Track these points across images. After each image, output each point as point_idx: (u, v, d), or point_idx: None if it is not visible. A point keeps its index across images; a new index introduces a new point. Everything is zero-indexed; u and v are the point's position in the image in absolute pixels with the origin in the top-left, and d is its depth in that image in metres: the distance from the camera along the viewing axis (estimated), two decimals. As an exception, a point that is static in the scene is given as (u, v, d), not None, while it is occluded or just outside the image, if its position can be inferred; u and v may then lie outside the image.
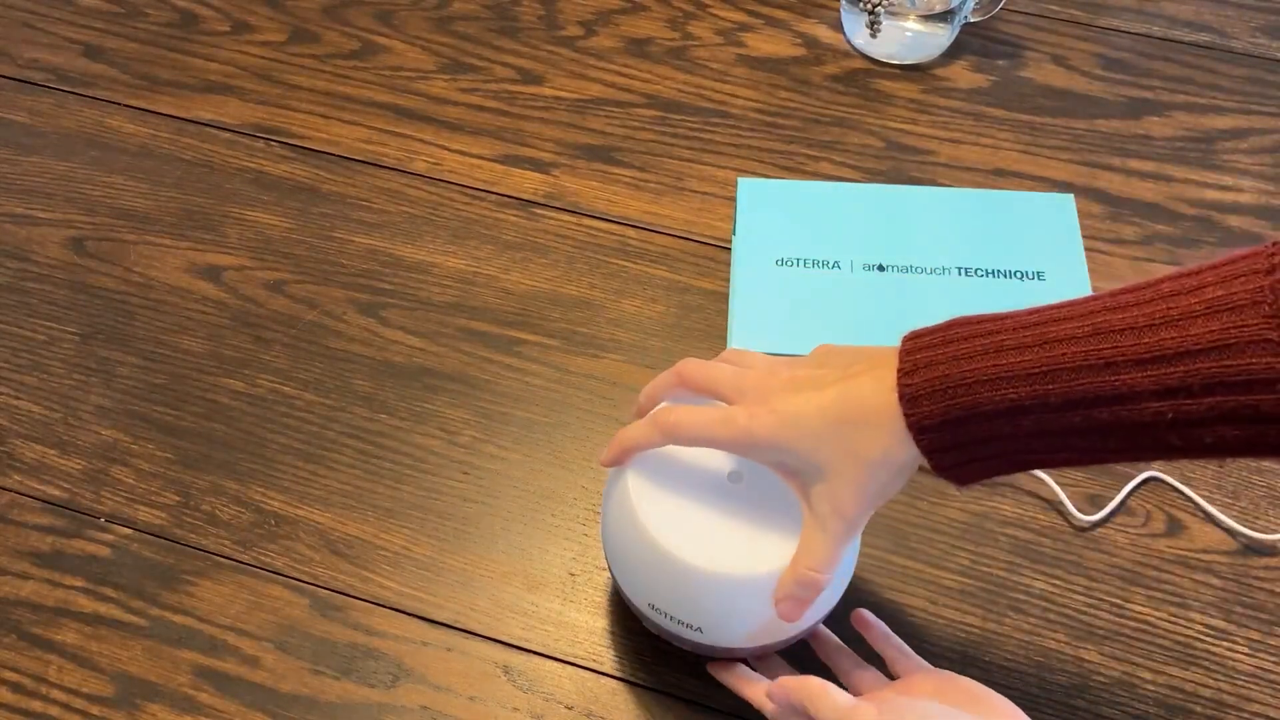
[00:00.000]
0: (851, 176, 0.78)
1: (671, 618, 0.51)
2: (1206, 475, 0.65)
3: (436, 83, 0.84)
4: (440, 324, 0.71)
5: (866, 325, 0.68)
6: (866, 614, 0.56)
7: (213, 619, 0.60)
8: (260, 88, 0.84)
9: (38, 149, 0.81)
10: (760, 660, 0.55)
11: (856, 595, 0.59)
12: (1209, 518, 0.63)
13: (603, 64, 0.85)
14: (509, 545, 0.62)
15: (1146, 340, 0.40)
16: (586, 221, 0.76)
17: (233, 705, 0.57)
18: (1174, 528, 0.63)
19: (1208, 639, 0.59)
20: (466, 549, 0.62)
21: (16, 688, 0.58)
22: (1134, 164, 0.79)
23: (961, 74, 0.85)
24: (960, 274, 0.70)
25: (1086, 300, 0.43)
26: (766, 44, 0.87)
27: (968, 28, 0.87)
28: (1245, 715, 0.57)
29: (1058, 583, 0.61)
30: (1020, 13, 0.89)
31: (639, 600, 0.53)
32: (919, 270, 0.70)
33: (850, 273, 0.70)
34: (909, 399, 0.44)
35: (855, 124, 0.82)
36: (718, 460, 0.52)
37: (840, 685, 0.52)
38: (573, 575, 0.61)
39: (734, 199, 0.75)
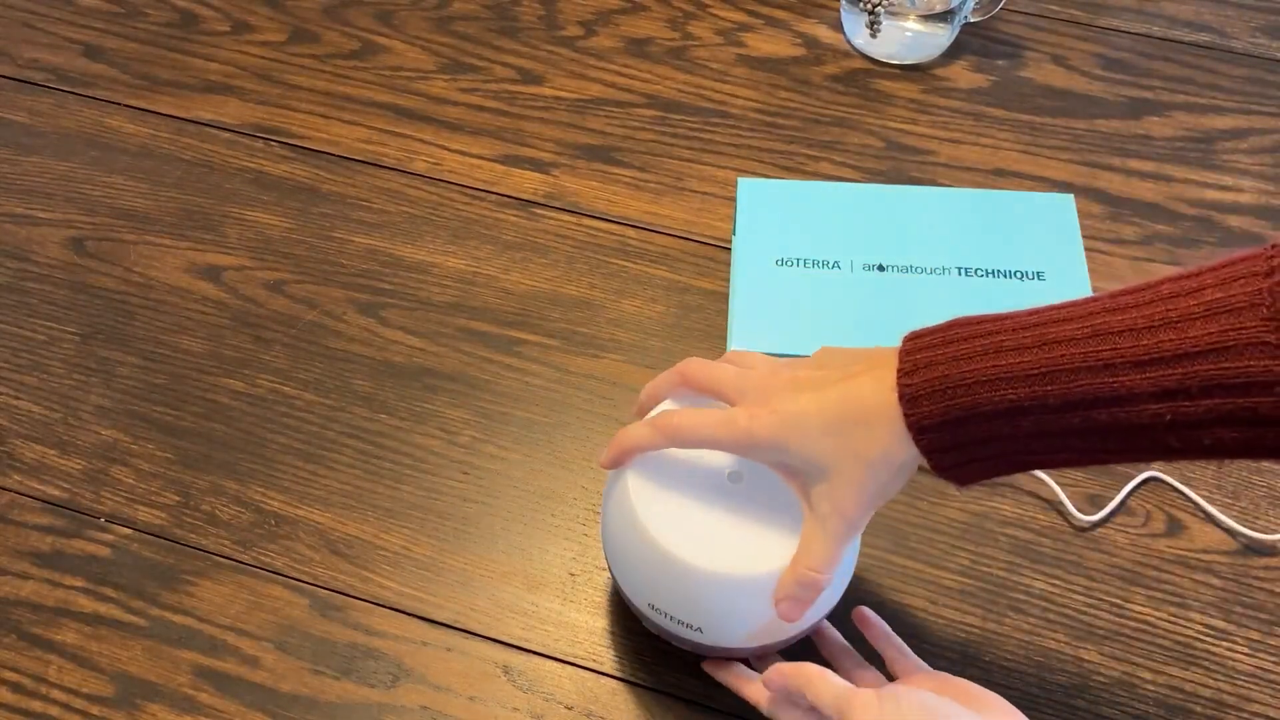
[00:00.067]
0: (851, 176, 0.78)
1: (671, 618, 0.51)
2: (1206, 475, 0.65)
3: (436, 83, 0.84)
4: (440, 324, 0.71)
5: (866, 325, 0.68)
6: (867, 612, 0.56)
7: (213, 619, 0.60)
8: (260, 88, 0.84)
9: (38, 149, 0.81)
10: (760, 660, 0.55)
11: (857, 595, 0.59)
12: (1209, 518, 0.63)
13: (603, 64, 0.85)
14: (509, 545, 0.62)
15: (1145, 342, 0.40)
16: (586, 221, 0.76)
17: (233, 705, 0.57)
18: (1174, 528, 0.63)
19: (1208, 639, 0.59)
20: (466, 549, 0.62)
21: (16, 688, 0.58)
22: (1134, 164, 0.79)
23: (961, 74, 0.85)
24: (960, 274, 0.70)
25: (1086, 301, 0.43)
26: (766, 44, 0.87)
27: (968, 28, 0.87)
28: (1245, 715, 0.57)
29: (1058, 583, 0.61)
30: (1020, 13, 0.89)
31: (639, 600, 0.53)
32: (919, 270, 0.70)
33: (850, 273, 0.70)
34: (909, 399, 0.44)
35: (855, 124, 0.82)
36: (718, 461, 0.52)
37: None
38: (573, 575, 0.61)
39: (734, 199, 0.75)
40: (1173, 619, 0.60)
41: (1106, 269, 0.73)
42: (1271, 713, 0.57)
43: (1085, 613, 0.60)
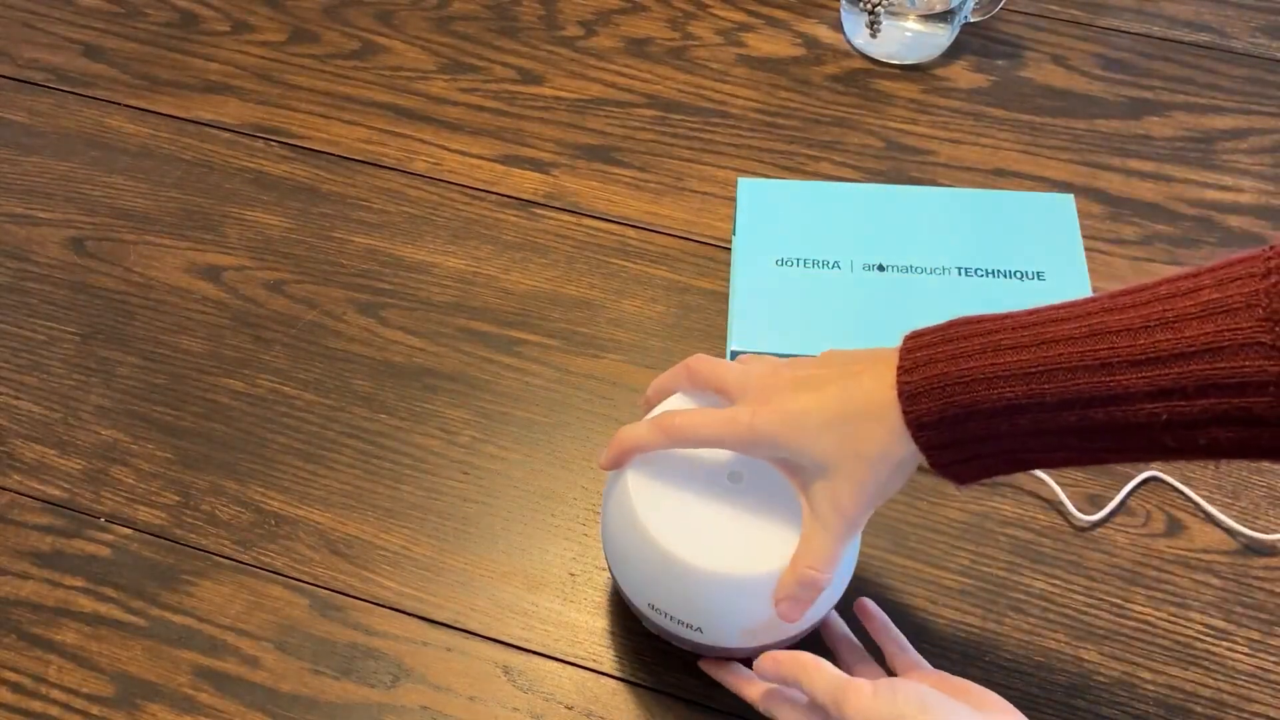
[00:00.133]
0: (851, 176, 0.78)
1: (671, 618, 0.51)
2: (1206, 475, 0.65)
3: (436, 83, 0.84)
4: (440, 324, 0.71)
5: (866, 325, 0.68)
6: (869, 604, 0.56)
7: (213, 619, 0.60)
8: (260, 88, 0.84)
9: (38, 149, 0.81)
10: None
11: (857, 596, 0.59)
12: (1209, 518, 0.63)
13: (603, 64, 0.85)
14: (509, 545, 0.62)
15: (1142, 342, 0.40)
16: (586, 221, 0.76)
17: (233, 705, 0.57)
18: (1174, 528, 0.63)
19: (1208, 639, 0.59)
20: (466, 549, 0.62)
21: (16, 688, 0.58)
22: (1134, 164, 0.79)
23: (961, 74, 0.85)
24: (960, 274, 0.70)
25: (1085, 301, 0.43)
26: (766, 44, 0.87)
27: (968, 28, 0.87)
28: (1245, 715, 0.57)
29: (1058, 583, 0.61)
30: (1020, 13, 0.89)
31: (639, 600, 0.53)
32: (919, 270, 0.70)
33: (850, 273, 0.70)
34: (908, 396, 0.44)
35: (855, 124, 0.82)
36: (718, 460, 0.52)
37: None
38: (573, 575, 0.61)
39: (734, 199, 0.75)
40: (1173, 619, 0.60)
41: (1106, 269, 0.73)
42: (1271, 713, 0.57)
43: (1085, 613, 0.60)
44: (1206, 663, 0.58)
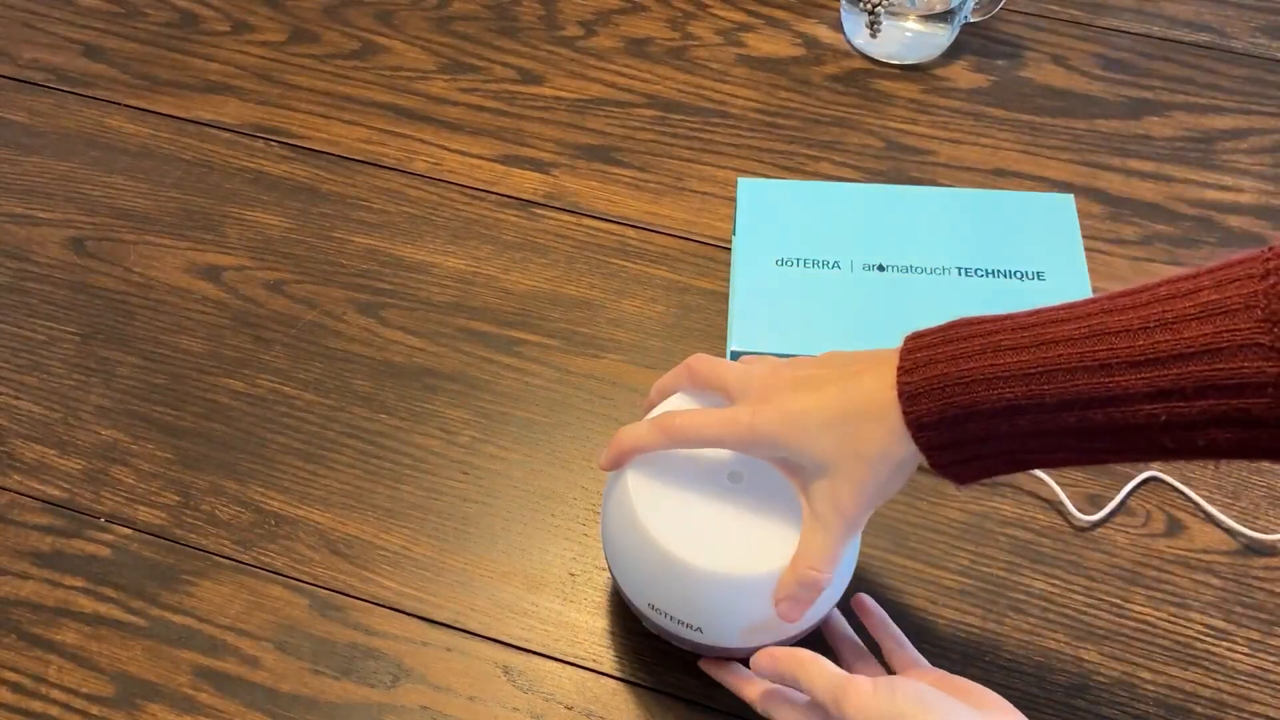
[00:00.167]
0: (851, 176, 0.78)
1: (671, 618, 0.51)
2: (1206, 475, 0.65)
3: (436, 83, 0.84)
4: (440, 324, 0.71)
5: (866, 325, 0.68)
6: (867, 600, 0.56)
7: (213, 619, 0.60)
8: (260, 88, 0.84)
9: (38, 149, 0.81)
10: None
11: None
12: (1209, 518, 0.63)
13: (603, 64, 0.85)
14: (509, 545, 0.62)
15: (1140, 343, 0.40)
16: (586, 221, 0.76)
17: (233, 705, 0.57)
18: (1174, 528, 0.63)
19: (1208, 639, 0.59)
20: (466, 549, 0.62)
21: (16, 688, 0.58)
22: (1134, 164, 0.79)
23: (961, 74, 0.85)
24: (960, 274, 0.70)
25: (1086, 303, 0.43)
26: (766, 44, 0.87)
27: (968, 28, 0.87)
28: (1245, 715, 0.57)
29: (1058, 583, 0.61)
30: (1020, 13, 0.89)
31: (639, 600, 0.53)
32: (919, 270, 0.70)
33: (850, 273, 0.70)
34: (908, 396, 0.44)
35: (855, 124, 0.82)
36: (718, 460, 0.52)
37: None
38: (573, 575, 0.61)
39: (734, 199, 0.75)
40: (1173, 619, 0.60)
41: (1106, 269, 0.73)
42: (1271, 713, 0.57)
43: (1085, 613, 0.60)
44: (1206, 663, 0.58)
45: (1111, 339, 0.41)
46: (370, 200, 0.77)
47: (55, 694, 0.57)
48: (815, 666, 0.46)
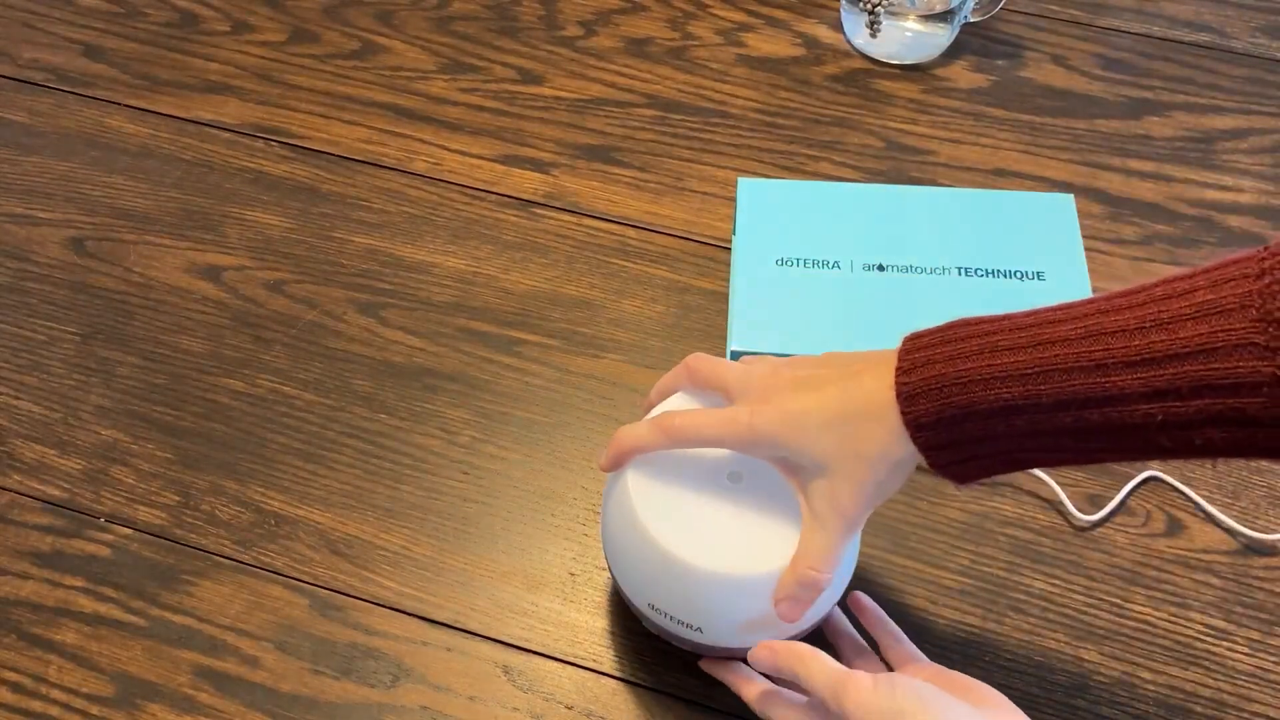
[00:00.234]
0: (851, 176, 0.78)
1: (671, 618, 0.51)
2: (1206, 475, 0.65)
3: (436, 83, 0.84)
4: (440, 324, 0.71)
5: (866, 325, 0.68)
6: (861, 597, 0.56)
7: (213, 619, 0.60)
8: (260, 88, 0.84)
9: (38, 149, 0.81)
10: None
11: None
12: (1209, 518, 0.63)
13: (603, 64, 0.85)
14: (509, 545, 0.62)
15: (1136, 343, 0.40)
16: (586, 221, 0.76)
17: (233, 705, 0.57)
18: (1174, 528, 0.63)
19: (1208, 639, 0.59)
20: (466, 549, 0.62)
21: (16, 688, 0.58)
22: (1134, 164, 0.79)
23: (961, 74, 0.85)
24: (960, 274, 0.70)
25: (1083, 303, 0.43)
26: (766, 44, 0.87)
27: (968, 28, 0.87)
28: (1245, 715, 0.57)
29: (1058, 583, 0.61)
30: (1020, 13, 0.89)
31: (639, 600, 0.53)
32: (919, 270, 0.70)
33: (850, 273, 0.70)
34: (906, 396, 0.44)
35: (855, 124, 0.82)
36: (718, 460, 0.52)
37: None
38: (573, 575, 0.61)
39: (734, 199, 0.75)
40: (1173, 619, 0.60)
41: (1106, 269, 0.73)
42: (1271, 713, 0.57)
43: (1085, 613, 0.60)
44: (1206, 663, 0.58)
45: (1108, 339, 0.41)
46: (370, 200, 0.77)
47: (55, 694, 0.57)
48: (814, 661, 0.46)
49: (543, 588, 0.61)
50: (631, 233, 0.76)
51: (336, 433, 0.67)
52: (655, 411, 0.53)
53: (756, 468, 0.51)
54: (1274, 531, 0.62)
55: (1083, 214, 0.75)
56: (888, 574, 0.61)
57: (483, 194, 0.78)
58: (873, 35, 0.83)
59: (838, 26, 0.88)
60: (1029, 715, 0.45)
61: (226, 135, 0.81)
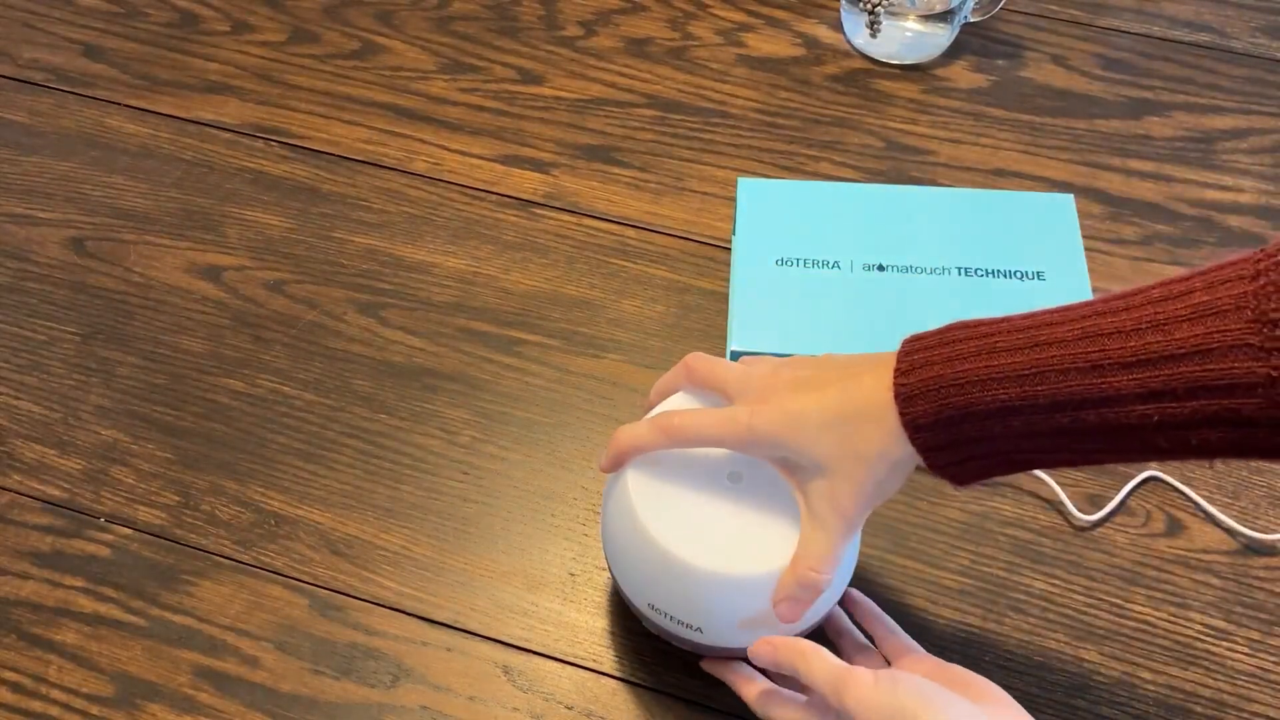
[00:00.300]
0: (851, 176, 0.78)
1: (671, 618, 0.51)
2: (1206, 475, 0.65)
3: (436, 83, 0.84)
4: (440, 324, 0.71)
5: (866, 325, 0.68)
6: (854, 593, 0.56)
7: (213, 619, 0.60)
8: (260, 88, 0.84)
9: (38, 149, 0.81)
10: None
11: (856, 595, 0.59)
12: (1209, 518, 0.63)
13: (603, 64, 0.85)
14: (509, 545, 0.62)
15: (1133, 344, 0.40)
16: (586, 221, 0.76)
17: (233, 705, 0.57)
18: (1174, 528, 0.63)
19: (1208, 639, 0.59)
20: (466, 549, 0.62)
21: (16, 688, 0.58)
22: (1134, 164, 0.79)
23: (961, 74, 0.85)
24: (960, 274, 0.70)
25: (1081, 305, 0.43)
26: (766, 44, 0.87)
27: (968, 28, 0.87)
28: (1245, 715, 0.57)
29: (1058, 583, 0.61)
30: (1020, 13, 0.89)
31: (639, 600, 0.53)
32: (919, 270, 0.70)
33: (850, 273, 0.70)
34: (904, 397, 0.44)
35: (855, 124, 0.82)
36: (718, 460, 0.52)
37: None
38: (573, 575, 0.61)
39: (734, 199, 0.75)
40: (1173, 619, 0.60)
41: (1106, 269, 0.73)
42: (1271, 713, 0.57)
43: (1085, 613, 0.60)
44: (1206, 663, 0.58)
45: (1104, 340, 0.41)
46: (370, 200, 0.77)
47: (55, 694, 0.57)
48: (815, 657, 0.46)
49: (543, 588, 0.61)
50: (631, 233, 0.76)
51: (336, 433, 0.67)
52: (655, 411, 0.53)
53: (756, 468, 0.51)
54: (1274, 531, 0.62)
55: (1083, 214, 0.75)
56: (888, 574, 0.61)
57: (483, 194, 0.78)
58: (873, 35, 0.83)
59: (838, 26, 0.88)
60: (1029, 715, 0.45)
61: (226, 135, 0.81)
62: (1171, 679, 0.58)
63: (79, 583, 0.61)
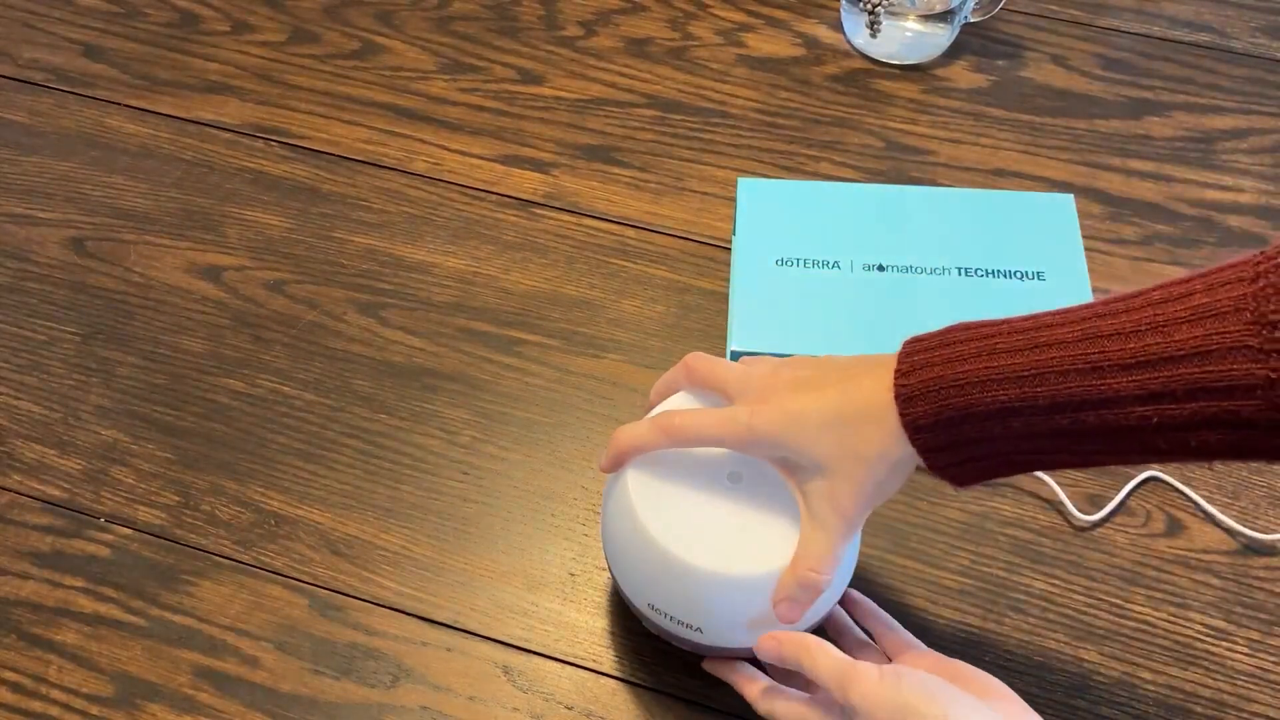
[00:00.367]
0: (851, 176, 0.78)
1: (671, 618, 0.51)
2: (1206, 475, 0.65)
3: (436, 83, 0.84)
4: (440, 324, 0.71)
5: (866, 325, 0.68)
6: (852, 592, 0.56)
7: (213, 619, 0.60)
8: (260, 88, 0.84)
9: (38, 149, 0.81)
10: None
11: (856, 595, 0.59)
12: (1209, 518, 0.63)
13: (603, 64, 0.85)
14: (509, 545, 0.62)
15: (1132, 346, 0.40)
16: (586, 221, 0.76)
17: (233, 705, 0.57)
18: (1174, 528, 0.63)
19: (1208, 639, 0.59)
20: (466, 549, 0.62)
21: (16, 688, 0.58)
22: (1134, 164, 0.79)
23: (961, 74, 0.85)
24: (960, 274, 0.70)
25: (1081, 307, 0.43)
26: (766, 44, 0.87)
27: (968, 28, 0.87)
28: (1245, 715, 0.57)
29: (1058, 583, 0.61)
30: (1020, 13, 0.89)
31: (639, 600, 0.53)
32: (919, 270, 0.70)
33: (850, 273, 0.70)
34: (904, 398, 0.44)
35: (855, 124, 0.82)
36: (718, 460, 0.52)
37: None
38: (573, 575, 0.61)
39: (734, 199, 0.75)
40: (1173, 619, 0.60)
41: (1106, 269, 0.73)
42: (1271, 713, 0.57)
43: (1085, 613, 0.60)
44: (1206, 663, 0.58)
45: (1104, 342, 0.41)
46: (370, 200, 0.77)
47: (55, 694, 0.57)
48: (820, 652, 0.46)
49: (543, 588, 0.61)
50: (631, 233, 0.76)
51: (336, 433, 0.67)
52: (655, 411, 0.53)
53: (756, 468, 0.51)
54: (1274, 531, 0.62)
55: (1083, 214, 0.75)
56: (888, 574, 0.61)
57: (483, 194, 0.78)
58: (873, 35, 0.83)
59: (838, 26, 0.88)
60: (1029, 715, 0.46)
61: (226, 135, 0.81)
62: (1171, 679, 0.58)
63: (79, 583, 0.61)
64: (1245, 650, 0.59)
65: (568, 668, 0.58)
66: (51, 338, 0.71)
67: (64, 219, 0.77)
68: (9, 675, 0.58)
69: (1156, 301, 0.41)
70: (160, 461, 0.65)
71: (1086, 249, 0.73)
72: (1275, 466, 0.65)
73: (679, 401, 0.53)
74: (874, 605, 0.55)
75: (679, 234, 0.75)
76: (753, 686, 0.51)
